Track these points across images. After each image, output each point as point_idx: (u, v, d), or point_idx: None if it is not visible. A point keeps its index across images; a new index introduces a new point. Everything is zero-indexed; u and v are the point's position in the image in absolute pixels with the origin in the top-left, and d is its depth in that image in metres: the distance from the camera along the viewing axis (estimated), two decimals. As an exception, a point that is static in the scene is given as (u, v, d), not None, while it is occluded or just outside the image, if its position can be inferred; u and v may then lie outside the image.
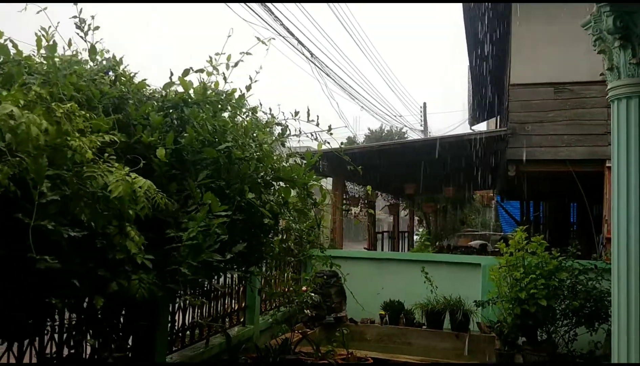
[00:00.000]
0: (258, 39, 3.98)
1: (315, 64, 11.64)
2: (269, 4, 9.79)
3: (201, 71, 3.48)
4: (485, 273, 6.89)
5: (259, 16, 10.04)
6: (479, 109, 17.21)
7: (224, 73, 3.81)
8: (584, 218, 11.56)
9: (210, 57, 3.60)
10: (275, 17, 9.80)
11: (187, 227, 2.84)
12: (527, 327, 5.78)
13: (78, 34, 3.55)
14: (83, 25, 3.51)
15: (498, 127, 15.36)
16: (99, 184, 2.37)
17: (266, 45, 3.99)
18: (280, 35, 9.91)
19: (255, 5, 9.63)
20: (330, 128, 4.46)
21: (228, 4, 9.19)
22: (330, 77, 13.44)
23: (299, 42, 10.82)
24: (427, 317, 7.10)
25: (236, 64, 3.86)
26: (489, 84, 13.62)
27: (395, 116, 29.17)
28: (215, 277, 4.58)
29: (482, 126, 21.52)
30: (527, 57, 9.36)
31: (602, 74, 3.82)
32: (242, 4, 9.27)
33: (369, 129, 39.13)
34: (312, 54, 11.41)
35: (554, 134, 9.01)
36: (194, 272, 2.80)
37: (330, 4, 13.57)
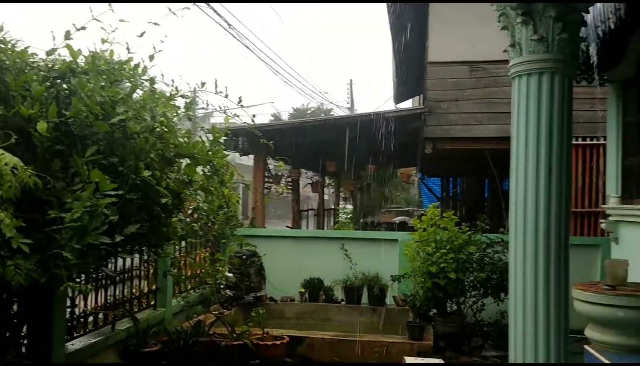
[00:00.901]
0: (169, 9, 3.81)
1: (233, 36, 11.30)
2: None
3: (83, 28, 3.20)
4: (401, 249, 7.02)
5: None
6: (403, 87, 17.47)
7: (127, 43, 3.59)
8: (496, 194, 12.08)
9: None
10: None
11: (72, 207, 2.62)
12: (437, 299, 5.95)
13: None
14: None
15: (420, 105, 15.68)
16: (-42, 162, 2.11)
17: (176, 15, 3.83)
18: (196, 4, 9.51)
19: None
20: (240, 100, 4.28)
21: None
22: (251, 50, 13.12)
23: (216, 12, 10.43)
24: (346, 293, 7.19)
25: (142, 35, 3.66)
26: (412, 62, 13.81)
27: (321, 93, 29.17)
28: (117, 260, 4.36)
29: (407, 104, 21.93)
30: (444, 36, 9.52)
31: (506, 50, 3.89)
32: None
33: (292, 108, 38.97)
34: (229, 25, 11.05)
35: (468, 113, 9.26)
36: (79, 256, 2.58)
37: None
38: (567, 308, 3.52)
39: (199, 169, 3.82)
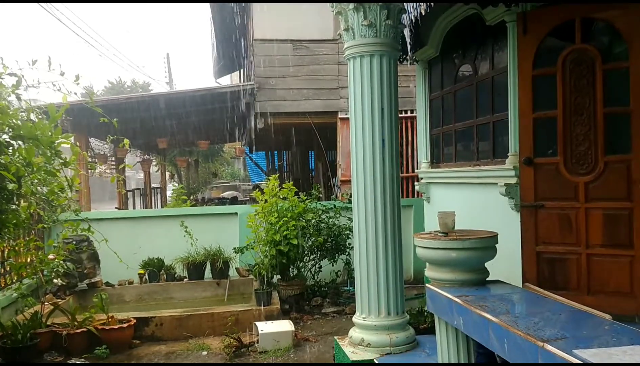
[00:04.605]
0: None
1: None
2: None
3: None
4: (242, 221, 7.24)
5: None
6: (223, 63, 17.45)
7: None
8: (322, 164, 12.93)
9: None
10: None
11: None
12: (281, 265, 6.33)
13: None
14: None
15: (242, 80, 15.88)
16: None
17: None
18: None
19: None
20: (77, 77, 4.06)
21: None
22: (62, 22, 11.99)
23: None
24: (188, 270, 7.19)
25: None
26: (232, 38, 13.88)
27: (138, 67, 27.66)
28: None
29: (226, 79, 21.96)
30: (267, 14, 9.82)
31: (340, 34, 4.28)
32: None
33: (108, 81, 36.33)
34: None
35: (295, 88, 9.76)
36: None
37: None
38: (401, 255, 4.12)
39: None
